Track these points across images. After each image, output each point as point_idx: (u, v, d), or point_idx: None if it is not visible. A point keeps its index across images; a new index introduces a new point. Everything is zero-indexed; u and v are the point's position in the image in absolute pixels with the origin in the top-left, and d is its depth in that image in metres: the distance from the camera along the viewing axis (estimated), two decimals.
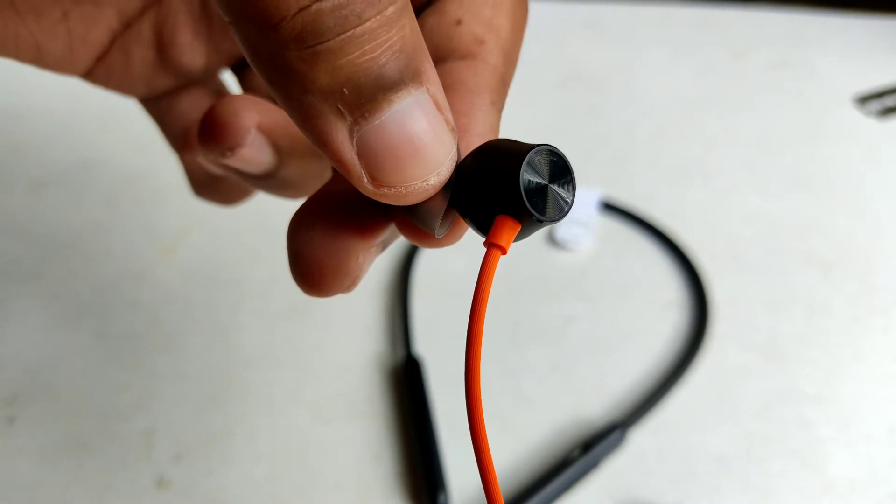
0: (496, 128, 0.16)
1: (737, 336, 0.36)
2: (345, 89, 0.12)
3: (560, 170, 0.14)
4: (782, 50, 0.59)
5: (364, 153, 0.13)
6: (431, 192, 0.14)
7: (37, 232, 0.42)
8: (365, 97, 0.12)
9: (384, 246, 0.17)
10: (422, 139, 0.13)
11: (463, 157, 0.14)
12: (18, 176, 0.46)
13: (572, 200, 0.14)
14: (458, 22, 0.17)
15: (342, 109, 0.12)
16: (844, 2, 0.65)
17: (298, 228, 0.16)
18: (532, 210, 0.13)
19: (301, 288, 0.16)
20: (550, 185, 0.13)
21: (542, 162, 0.13)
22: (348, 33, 0.11)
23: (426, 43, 0.17)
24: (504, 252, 0.14)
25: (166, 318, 0.37)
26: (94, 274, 0.39)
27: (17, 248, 0.41)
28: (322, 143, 0.13)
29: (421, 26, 0.18)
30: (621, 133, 0.50)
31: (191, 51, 0.22)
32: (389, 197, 0.13)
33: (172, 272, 0.39)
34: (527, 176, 0.13)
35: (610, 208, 0.43)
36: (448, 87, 0.16)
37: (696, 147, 0.49)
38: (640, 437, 0.32)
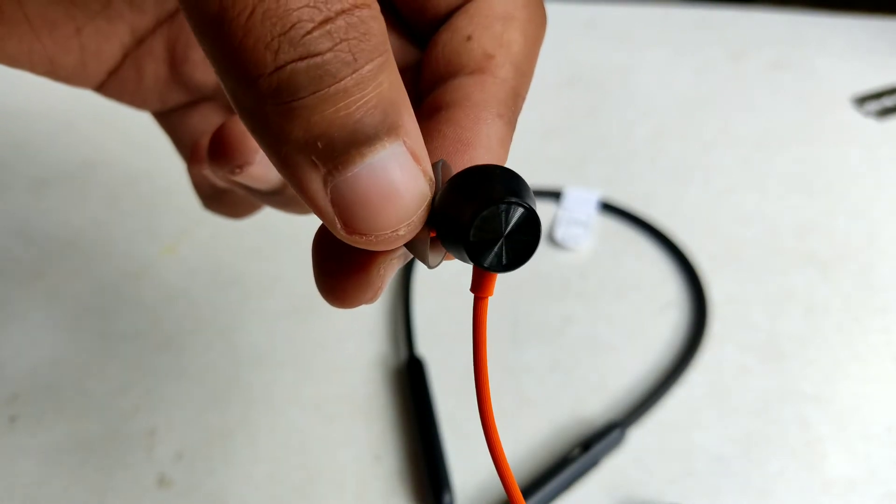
0: (504, 139, 0.17)
1: (735, 336, 0.36)
2: (319, 143, 0.12)
3: (519, 217, 0.13)
4: (781, 50, 0.59)
5: (337, 202, 0.13)
6: (402, 242, 0.14)
7: (38, 231, 0.42)
8: (338, 151, 0.13)
9: (405, 258, 0.17)
10: (395, 191, 0.13)
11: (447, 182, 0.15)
12: (20, 176, 0.46)
13: (534, 245, 0.14)
14: (469, 38, 0.17)
15: (316, 161, 0.13)
16: (843, 3, 0.65)
17: (322, 244, 0.16)
18: (488, 267, 0.13)
19: (327, 300, 0.16)
20: (507, 236, 0.13)
21: (499, 213, 0.13)
22: (322, 92, 0.12)
23: (439, 60, 0.17)
24: (490, 294, 0.14)
25: (168, 317, 0.37)
26: (95, 273, 0.39)
27: (19, 248, 0.41)
28: (298, 189, 0.13)
29: (434, 44, 0.18)
30: (621, 133, 0.50)
31: (203, 67, 0.23)
32: (361, 243, 0.14)
33: (174, 271, 0.39)
34: (479, 234, 0.13)
35: (609, 208, 0.43)
36: (455, 103, 0.16)
37: (696, 147, 0.49)
38: (639, 437, 0.32)
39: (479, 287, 0.14)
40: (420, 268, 0.40)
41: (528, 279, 0.39)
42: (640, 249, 0.41)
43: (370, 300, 0.16)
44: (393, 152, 0.13)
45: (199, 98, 0.24)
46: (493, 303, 0.40)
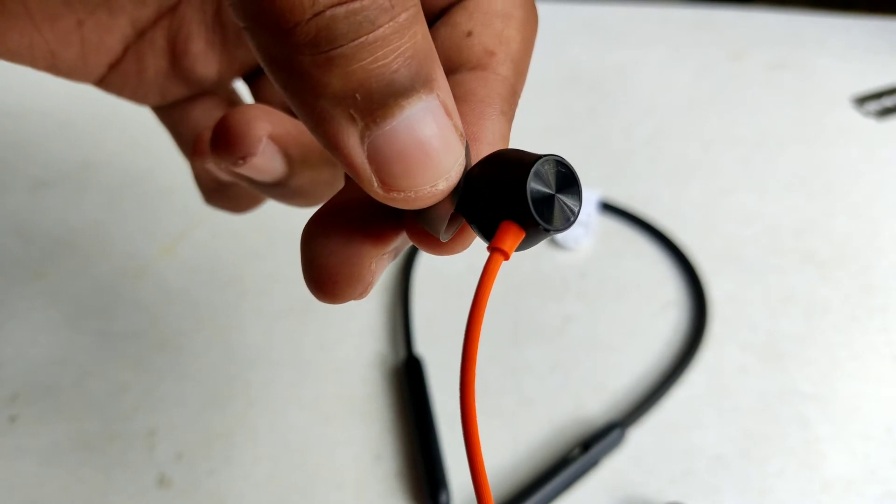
0: (506, 137, 0.17)
1: (735, 336, 0.36)
2: (357, 94, 0.12)
3: (566, 180, 0.14)
4: (781, 51, 0.59)
5: (375, 158, 0.13)
6: (440, 197, 0.14)
7: (38, 232, 0.42)
8: (376, 102, 0.12)
9: (396, 253, 0.17)
10: (432, 144, 0.13)
11: (472, 165, 0.15)
12: (20, 176, 0.46)
13: (578, 210, 0.14)
14: (469, 34, 0.17)
15: (354, 114, 0.12)
16: (842, 3, 0.65)
17: (312, 236, 0.16)
18: (538, 218, 0.13)
19: (315, 295, 0.16)
20: (557, 195, 0.14)
21: (548, 171, 0.13)
22: (361, 39, 0.12)
23: (438, 55, 0.18)
24: (507, 257, 0.14)
25: (167, 317, 0.37)
26: (95, 273, 0.39)
27: (19, 248, 0.41)
28: (334, 147, 0.13)
29: (432, 39, 0.18)
30: (620, 133, 0.50)
31: (204, 60, 0.23)
32: (399, 201, 0.13)
33: (173, 271, 0.40)
34: (534, 185, 0.13)
35: (609, 208, 0.43)
36: (459, 98, 0.16)
37: (695, 147, 0.49)
38: (639, 436, 0.32)
39: (504, 241, 0.14)
40: (419, 266, 0.40)
41: (529, 279, 0.39)
42: (639, 249, 0.41)
43: (360, 296, 0.16)
44: (428, 105, 0.13)
45: (199, 92, 0.24)
46: (493, 302, 0.40)
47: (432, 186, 0.13)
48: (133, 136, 0.48)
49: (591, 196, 0.43)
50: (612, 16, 0.64)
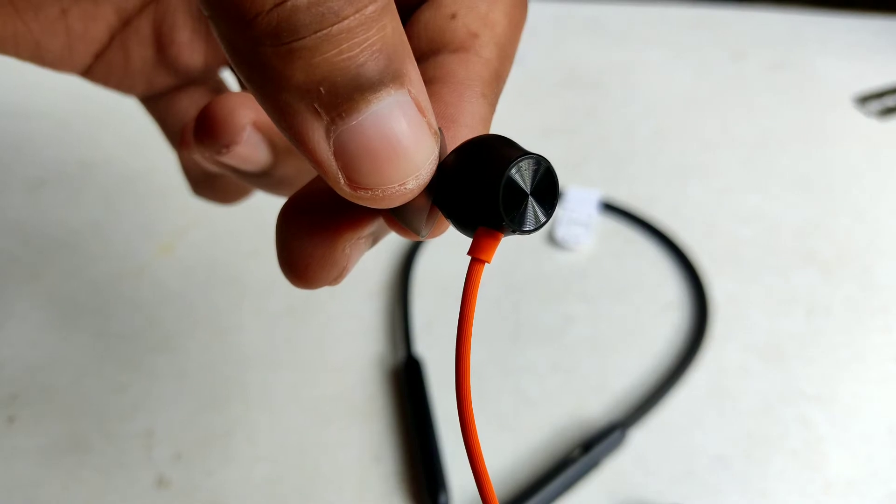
0: (487, 120, 0.16)
1: (736, 336, 0.36)
2: (321, 88, 0.12)
3: (542, 176, 0.13)
4: (782, 50, 0.59)
5: (341, 154, 0.12)
6: (409, 197, 0.13)
7: (36, 232, 0.42)
8: (342, 97, 0.12)
9: (375, 239, 0.16)
10: (400, 141, 0.13)
11: (449, 149, 0.14)
12: (17, 176, 0.46)
13: (554, 208, 0.14)
14: (453, 16, 0.17)
15: (318, 109, 0.12)
16: (844, 2, 0.65)
17: (286, 219, 0.16)
18: (510, 223, 0.13)
19: (288, 279, 0.16)
20: (532, 196, 0.13)
21: (524, 170, 0.13)
22: (325, 31, 0.11)
23: (422, 36, 0.17)
24: (488, 261, 0.14)
25: (165, 317, 0.37)
26: (92, 273, 0.39)
27: (16, 248, 0.41)
28: (298, 141, 0.12)
29: (416, 20, 0.17)
30: (621, 133, 0.50)
31: (190, 49, 0.22)
32: (366, 199, 0.13)
33: (171, 271, 0.39)
34: (507, 187, 0.13)
35: (610, 208, 0.43)
36: (439, 80, 0.16)
37: (696, 147, 0.49)
38: (640, 437, 0.32)
39: (482, 250, 0.13)
40: (419, 266, 0.40)
41: (529, 279, 0.39)
42: (640, 249, 0.41)
43: (335, 281, 0.16)
44: (398, 101, 0.12)
45: (186, 81, 0.24)
46: (493, 302, 0.40)
47: (401, 185, 0.13)
48: (131, 135, 0.48)
49: (591, 196, 0.43)
50: (612, 16, 0.64)
